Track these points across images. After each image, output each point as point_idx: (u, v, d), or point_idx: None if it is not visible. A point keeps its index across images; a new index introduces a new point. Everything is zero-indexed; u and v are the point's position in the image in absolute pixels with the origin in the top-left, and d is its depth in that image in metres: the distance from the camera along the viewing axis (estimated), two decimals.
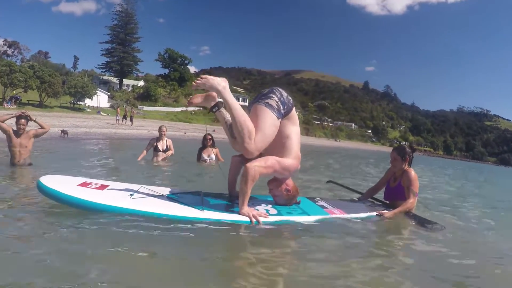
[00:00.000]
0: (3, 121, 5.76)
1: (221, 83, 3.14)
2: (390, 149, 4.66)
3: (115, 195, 3.24)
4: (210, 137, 8.33)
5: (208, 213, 3.16)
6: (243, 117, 3.06)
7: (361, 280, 2.28)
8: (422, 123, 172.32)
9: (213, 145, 8.33)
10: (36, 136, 6.04)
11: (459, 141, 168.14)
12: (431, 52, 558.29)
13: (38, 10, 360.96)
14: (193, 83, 3.13)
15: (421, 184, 5.57)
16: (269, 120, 3.17)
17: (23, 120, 5.84)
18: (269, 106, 3.21)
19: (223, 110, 3.41)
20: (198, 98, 3.41)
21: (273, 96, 3.28)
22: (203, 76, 3.11)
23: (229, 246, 2.86)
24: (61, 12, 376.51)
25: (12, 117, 5.83)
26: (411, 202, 4.09)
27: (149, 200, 3.26)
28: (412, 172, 4.18)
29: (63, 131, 15.81)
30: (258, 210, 3.35)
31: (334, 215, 3.63)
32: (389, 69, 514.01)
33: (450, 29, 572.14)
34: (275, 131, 3.23)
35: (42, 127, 6.01)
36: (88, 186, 3.34)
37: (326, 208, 3.84)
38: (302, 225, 3.33)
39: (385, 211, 3.98)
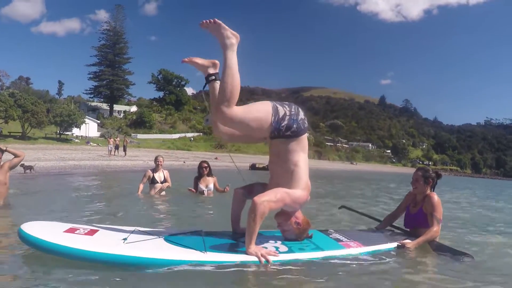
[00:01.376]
0: None
1: (232, 38, 3.02)
2: (412, 170, 4.68)
3: (106, 241, 3.17)
4: (206, 165, 8.34)
5: (211, 255, 3.10)
6: (235, 81, 2.96)
7: None
8: (447, 140, 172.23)
9: (210, 174, 8.37)
10: (11, 167, 5.81)
11: (489, 158, 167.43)
12: (453, 60, 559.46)
13: (16, 31, 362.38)
14: (201, 22, 3.02)
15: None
16: (263, 111, 3.18)
17: None
18: (274, 108, 3.21)
19: (218, 83, 3.26)
20: (200, 60, 3.36)
21: (287, 107, 3.29)
22: (217, 20, 2.99)
23: None
24: (41, 33, 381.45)
25: None
26: (435, 230, 4.07)
27: (144, 245, 3.19)
28: (435, 197, 4.19)
29: (23, 165, 14.02)
30: (266, 248, 3.30)
31: (350, 249, 3.62)
32: (407, 81, 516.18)
33: (474, 34, 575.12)
34: (257, 128, 3.19)
35: (16, 155, 5.80)
36: (75, 232, 3.27)
37: (341, 241, 3.83)
38: (316, 262, 3.30)
39: (407, 240, 3.97)
